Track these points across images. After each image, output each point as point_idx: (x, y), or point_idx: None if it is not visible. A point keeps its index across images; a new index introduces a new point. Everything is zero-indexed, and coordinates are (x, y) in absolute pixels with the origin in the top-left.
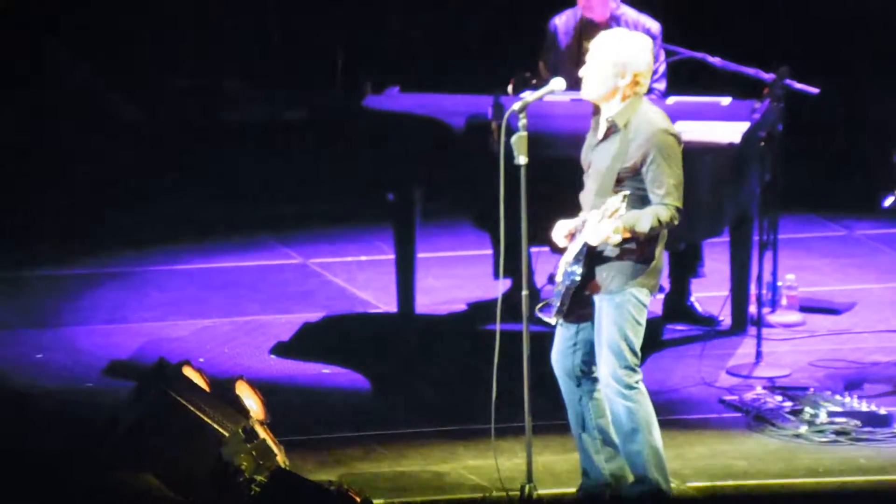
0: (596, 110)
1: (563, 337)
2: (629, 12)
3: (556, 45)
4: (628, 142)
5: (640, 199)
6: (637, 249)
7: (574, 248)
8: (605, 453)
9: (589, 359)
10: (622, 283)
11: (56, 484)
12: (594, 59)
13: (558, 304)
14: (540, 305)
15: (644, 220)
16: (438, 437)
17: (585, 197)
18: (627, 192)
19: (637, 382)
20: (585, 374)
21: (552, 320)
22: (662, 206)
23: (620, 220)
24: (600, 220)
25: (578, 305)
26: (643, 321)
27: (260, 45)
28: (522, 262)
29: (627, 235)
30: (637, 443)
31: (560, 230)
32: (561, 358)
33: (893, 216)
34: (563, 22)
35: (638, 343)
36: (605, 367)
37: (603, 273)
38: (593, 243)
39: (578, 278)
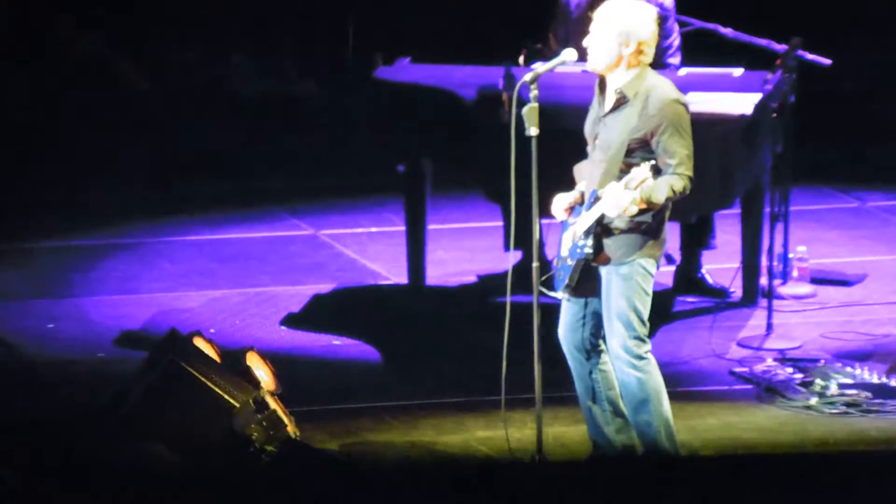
0: (600, 82)
1: (571, 311)
2: None
3: (568, 17)
4: (639, 112)
5: (654, 173)
6: (645, 221)
7: (584, 222)
8: (615, 425)
9: (597, 331)
10: (630, 254)
11: (67, 453)
12: (598, 29)
13: (566, 278)
14: (544, 278)
15: (660, 191)
16: (449, 409)
17: (587, 168)
18: (653, 162)
19: (647, 353)
20: (594, 347)
21: (559, 295)
22: (676, 176)
23: (638, 191)
24: (622, 190)
25: (586, 279)
26: (650, 291)
27: (271, 16)
28: (533, 234)
29: (644, 206)
30: (647, 413)
31: (559, 203)
32: (569, 333)
33: None
34: None
35: (646, 313)
36: (615, 338)
37: (611, 245)
38: (612, 214)
39: (591, 251)
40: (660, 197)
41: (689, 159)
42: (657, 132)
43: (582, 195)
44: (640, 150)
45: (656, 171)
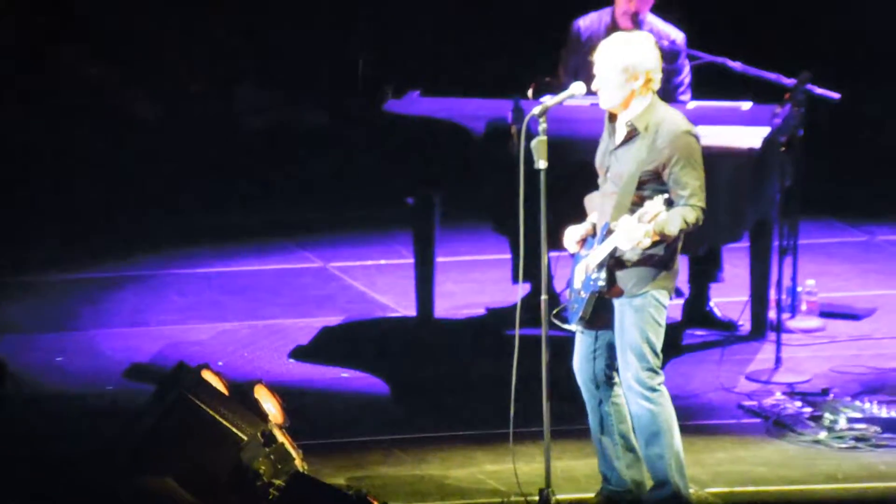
0: (611, 115)
1: (584, 344)
2: (656, 21)
3: (579, 48)
4: (651, 144)
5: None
6: (657, 253)
7: (597, 255)
8: (625, 459)
9: (610, 363)
10: (643, 286)
11: (75, 487)
12: (603, 69)
13: (580, 311)
14: (556, 311)
15: (672, 223)
16: (457, 442)
17: (597, 201)
18: (667, 196)
19: (660, 385)
20: (608, 379)
21: (573, 327)
22: (688, 208)
23: (651, 224)
24: (635, 224)
25: (599, 311)
26: (663, 323)
27: (282, 49)
28: (542, 267)
29: (657, 238)
30: (659, 446)
31: (571, 235)
32: (583, 365)
33: None
34: (586, 25)
35: (659, 345)
36: (629, 370)
37: (624, 277)
38: (625, 248)
39: (604, 284)
40: (673, 229)
41: (702, 190)
42: (669, 164)
43: (594, 227)
44: (651, 182)
45: (669, 204)
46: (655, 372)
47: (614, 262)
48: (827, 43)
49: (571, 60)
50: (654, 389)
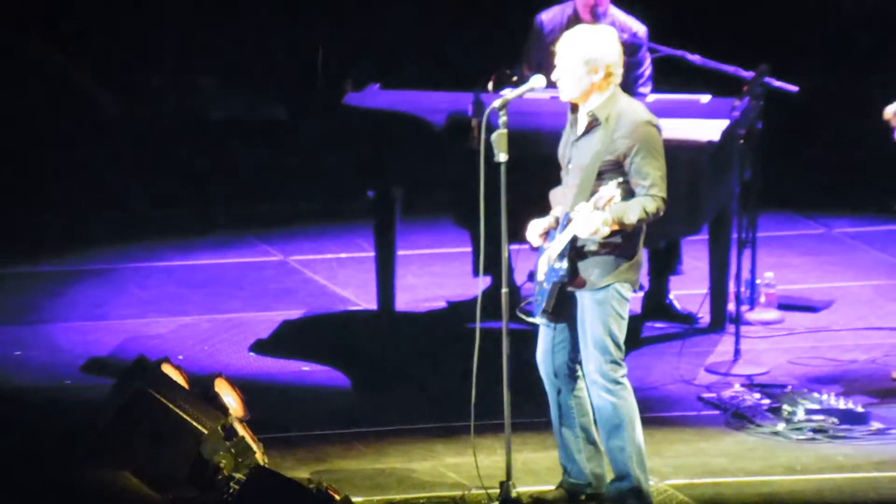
0: (573, 106)
1: (547, 336)
2: (617, 14)
3: (541, 41)
4: (611, 135)
5: (624, 193)
6: (620, 244)
7: (558, 245)
8: (586, 452)
9: (572, 356)
10: (605, 278)
11: (34, 482)
12: (564, 61)
13: (543, 303)
14: (522, 304)
15: (632, 212)
16: (418, 435)
17: (561, 193)
18: (620, 180)
19: (622, 377)
20: (571, 372)
21: (537, 320)
22: (649, 198)
23: (609, 212)
24: (591, 210)
25: (562, 304)
26: (626, 315)
27: (241, 42)
28: (503, 260)
29: (616, 228)
30: (620, 439)
31: (534, 229)
32: (545, 357)
33: (874, 214)
34: (549, 18)
35: (622, 337)
36: (591, 362)
37: (586, 268)
38: (583, 235)
39: (565, 273)
40: (632, 218)
41: (663, 181)
42: (629, 154)
43: (557, 220)
44: (612, 172)
45: (629, 193)
46: (618, 364)
47: (576, 253)
48: (786, 36)
49: (534, 54)
50: (616, 382)
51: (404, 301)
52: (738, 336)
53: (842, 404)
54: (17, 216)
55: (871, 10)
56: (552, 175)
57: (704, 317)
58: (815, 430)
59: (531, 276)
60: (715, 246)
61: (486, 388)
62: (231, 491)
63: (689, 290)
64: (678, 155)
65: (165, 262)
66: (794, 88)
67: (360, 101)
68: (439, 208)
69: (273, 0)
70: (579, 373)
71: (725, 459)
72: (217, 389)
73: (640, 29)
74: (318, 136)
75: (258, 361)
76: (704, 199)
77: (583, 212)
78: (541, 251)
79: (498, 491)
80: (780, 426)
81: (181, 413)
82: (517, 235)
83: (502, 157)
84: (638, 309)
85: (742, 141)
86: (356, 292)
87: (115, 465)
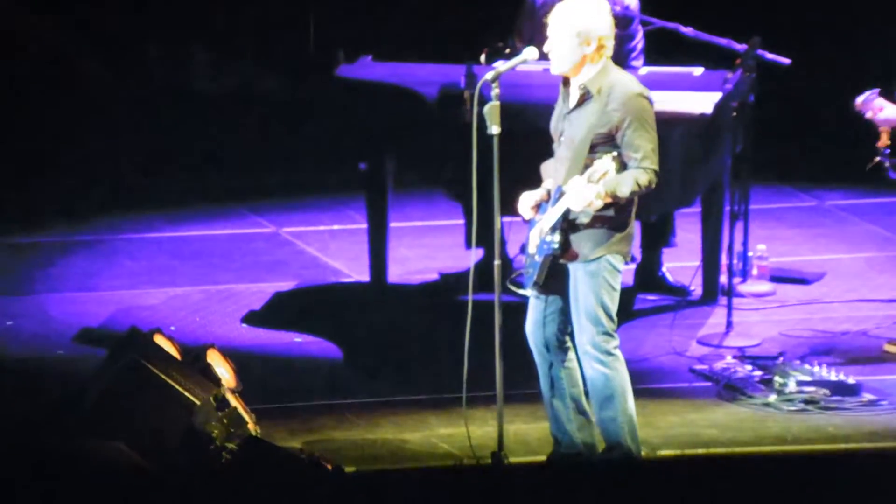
0: (564, 79)
1: (537, 308)
2: None
3: (534, 15)
4: (603, 107)
5: (618, 166)
6: (612, 216)
7: (550, 218)
8: (577, 422)
9: (562, 328)
10: (597, 250)
11: (26, 452)
12: (555, 33)
13: (534, 275)
14: (513, 276)
15: (624, 185)
16: (410, 406)
17: (553, 166)
18: (615, 153)
19: (615, 348)
20: (560, 344)
21: (528, 292)
22: (641, 170)
23: (602, 186)
24: (585, 184)
25: (553, 276)
26: (618, 287)
27: (233, 14)
28: (495, 232)
29: (609, 200)
30: (612, 409)
31: (526, 201)
32: (535, 329)
33: (866, 186)
34: None
35: (614, 309)
36: (584, 334)
37: (578, 241)
38: (577, 209)
39: (557, 247)
40: (624, 190)
41: (654, 153)
42: (621, 126)
43: (548, 193)
44: (604, 144)
45: (622, 166)
46: (611, 336)
47: (568, 225)
48: (780, 9)
49: (527, 28)
50: (609, 353)
51: (396, 273)
52: (730, 308)
53: (833, 376)
54: (8, 187)
55: None
56: (542, 148)
57: (697, 289)
58: (806, 402)
59: (523, 249)
60: (707, 219)
61: (478, 360)
62: (223, 461)
63: (681, 262)
64: (671, 127)
65: (157, 233)
66: (786, 61)
67: (352, 73)
68: (432, 180)
69: None
70: (569, 344)
71: (716, 430)
72: (209, 360)
73: (633, 2)
74: (310, 107)
75: (250, 332)
76: (697, 172)
77: (576, 185)
78: (532, 224)
79: (490, 461)
80: (772, 398)
81: (173, 383)
82: (509, 208)
83: (494, 129)
84: (630, 281)
85: (734, 113)
86: (348, 264)
87: (108, 436)
